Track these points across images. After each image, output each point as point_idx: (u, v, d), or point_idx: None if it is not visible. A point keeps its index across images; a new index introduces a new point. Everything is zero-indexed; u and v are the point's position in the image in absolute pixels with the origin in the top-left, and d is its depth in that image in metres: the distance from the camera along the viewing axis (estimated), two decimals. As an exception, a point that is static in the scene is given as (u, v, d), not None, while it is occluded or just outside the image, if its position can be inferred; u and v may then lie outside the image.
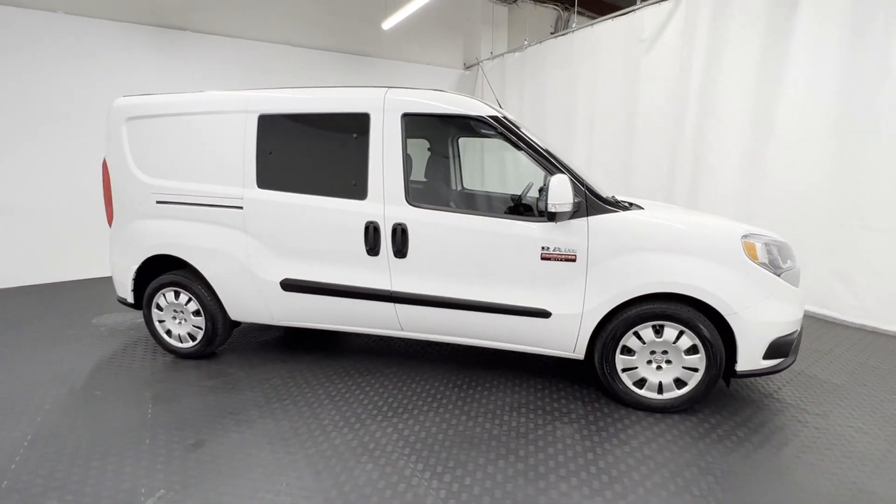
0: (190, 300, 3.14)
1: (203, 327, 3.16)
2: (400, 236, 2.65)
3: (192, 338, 3.23)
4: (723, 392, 2.76)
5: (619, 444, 2.26)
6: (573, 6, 9.07)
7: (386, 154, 2.66)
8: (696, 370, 2.44)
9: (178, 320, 3.23)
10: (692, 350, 2.43)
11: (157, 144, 3.06)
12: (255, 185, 2.87)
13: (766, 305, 2.34)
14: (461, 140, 4.00)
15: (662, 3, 5.01)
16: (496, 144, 2.73)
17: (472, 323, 2.69)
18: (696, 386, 2.45)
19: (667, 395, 2.51)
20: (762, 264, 2.36)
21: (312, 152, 2.82)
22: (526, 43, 6.92)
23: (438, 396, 2.74)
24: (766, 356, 2.39)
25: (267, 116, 2.85)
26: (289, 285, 2.90)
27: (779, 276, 2.39)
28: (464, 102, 2.62)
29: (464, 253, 2.60)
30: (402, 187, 2.65)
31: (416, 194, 2.79)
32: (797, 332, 2.47)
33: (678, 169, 5.03)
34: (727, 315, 2.33)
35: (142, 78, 5.55)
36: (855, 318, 3.91)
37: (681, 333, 2.42)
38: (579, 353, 2.61)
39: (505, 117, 2.59)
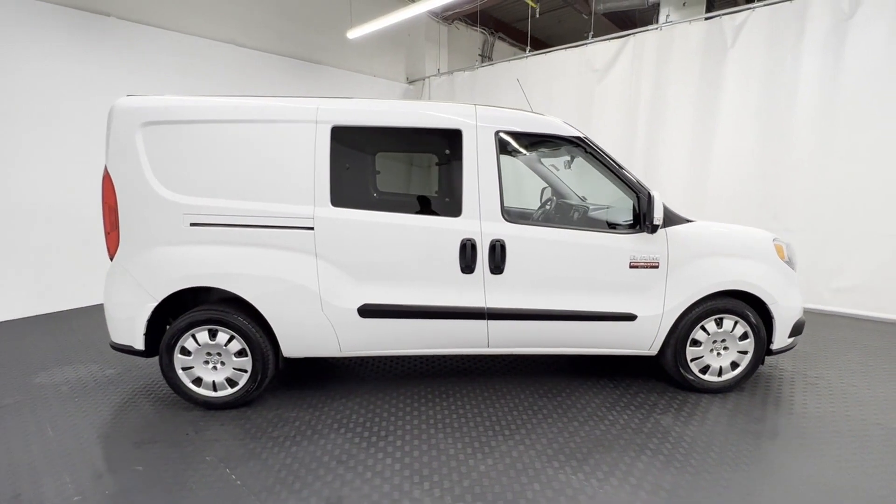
0: (231, 339, 2.67)
1: (249, 370, 2.71)
2: (499, 253, 2.65)
3: (232, 383, 2.73)
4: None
5: (715, 424, 2.60)
6: (496, 34, 9.84)
7: (481, 171, 2.65)
8: (746, 353, 2.94)
9: (213, 364, 2.71)
10: (743, 336, 2.91)
11: (189, 156, 2.56)
12: (329, 203, 2.59)
13: (791, 294, 2.93)
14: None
15: (611, 41, 5.78)
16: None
17: (562, 332, 2.81)
18: (747, 366, 2.94)
19: (725, 377, 2.96)
20: (787, 262, 2.96)
21: (396, 168, 2.66)
22: (480, 63, 7.27)
23: (536, 408, 2.79)
24: (790, 335, 2.99)
25: (342, 128, 2.61)
26: (369, 311, 2.67)
27: (794, 269, 3.02)
28: (551, 123, 2.76)
29: (559, 266, 2.72)
30: (498, 204, 2.67)
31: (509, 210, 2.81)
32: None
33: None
34: (770, 304, 2.86)
35: (52, 66, 4.45)
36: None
37: (735, 323, 2.89)
38: (654, 350, 2.92)
39: (587, 138, 2.80)
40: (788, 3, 4.57)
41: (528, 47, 6.78)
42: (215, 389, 2.73)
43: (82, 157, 4.72)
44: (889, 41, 4.07)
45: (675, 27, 5.28)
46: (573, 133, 2.76)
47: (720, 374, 2.95)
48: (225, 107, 2.56)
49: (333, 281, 2.63)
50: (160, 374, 3.22)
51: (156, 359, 3.36)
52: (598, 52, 5.90)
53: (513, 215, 2.71)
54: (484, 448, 2.37)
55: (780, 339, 2.95)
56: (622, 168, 2.78)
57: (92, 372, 3.30)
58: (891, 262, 4.25)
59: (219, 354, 2.70)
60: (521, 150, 3.08)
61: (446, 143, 2.65)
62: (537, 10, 7.48)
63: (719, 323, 2.88)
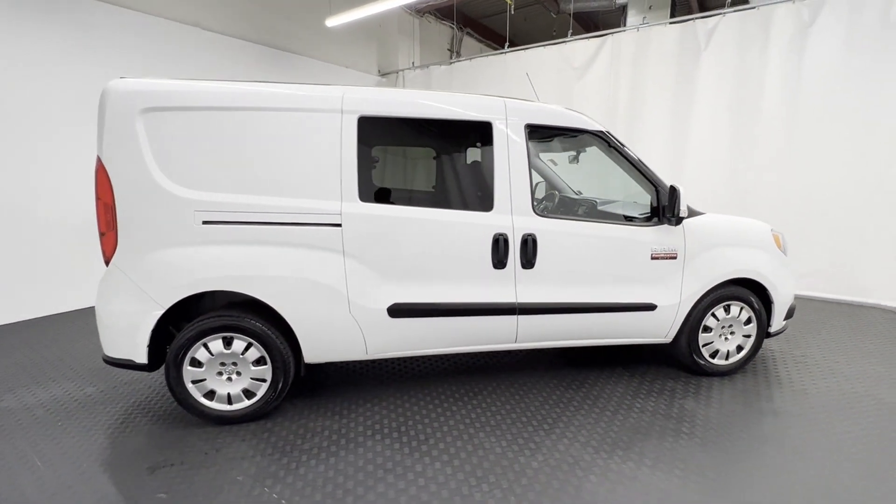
0: (249, 346, 2.46)
1: (268, 379, 2.51)
2: (531, 247, 2.63)
3: (249, 395, 2.52)
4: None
5: (733, 405, 2.75)
6: (464, 29, 9.82)
7: (512, 164, 2.62)
8: (749, 336, 3.13)
9: (227, 376, 2.48)
10: (747, 321, 3.10)
11: (200, 147, 2.31)
12: (357, 199, 2.45)
13: (787, 280, 3.15)
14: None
15: (590, 40, 5.94)
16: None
17: (587, 324, 2.85)
18: (751, 348, 3.14)
19: (731, 360, 3.13)
20: (783, 250, 3.18)
21: (425, 161, 2.56)
22: (453, 58, 7.21)
23: (566, 401, 2.81)
24: (785, 318, 3.22)
25: (369, 119, 2.46)
26: (398, 311, 2.56)
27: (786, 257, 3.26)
28: (578, 117, 2.77)
29: (587, 259, 2.75)
30: (528, 197, 2.64)
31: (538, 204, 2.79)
32: None
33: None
34: (771, 290, 3.06)
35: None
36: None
37: (741, 309, 3.07)
38: (669, 338, 3.03)
39: (610, 132, 2.84)
40: (755, 10, 4.91)
41: (507, 43, 6.81)
42: (230, 402, 2.51)
43: (41, 149, 4.16)
44: (844, 46, 4.48)
45: (652, 29, 5.51)
46: (597, 127, 2.79)
47: (727, 357, 3.13)
48: (242, 93, 2.34)
49: (361, 280, 2.49)
50: (154, 389, 2.93)
51: (150, 373, 3.07)
52: (578, 50, 6.04)
53: (542, 209, 2.69)
54: (529, 444, 2.35)
55: (777, 322, 3.16)
56: (642, 161, 2.85)
57: (68, 391, 2.92)
58: (848, 249, 4.70)
59: (234, 364, 2.48)
60: (546, 143, 3.07)
61: (477, 136, 2.59)
62: (512, 7, 7.51)
63: (727, 309, 3.04)
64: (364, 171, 2.46)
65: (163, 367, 2.49)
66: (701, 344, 3.05)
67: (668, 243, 2.85)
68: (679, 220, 2.75)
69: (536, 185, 3.87)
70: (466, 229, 2.57)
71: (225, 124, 2.32)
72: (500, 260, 2.61)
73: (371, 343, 2.60)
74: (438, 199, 2.56)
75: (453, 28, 9.62)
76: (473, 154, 2.58)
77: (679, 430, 2.49)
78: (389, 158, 2.51)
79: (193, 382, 2.45)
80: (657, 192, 2.83)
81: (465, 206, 2.57)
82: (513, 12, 7.55)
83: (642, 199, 2.96)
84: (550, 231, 2.67)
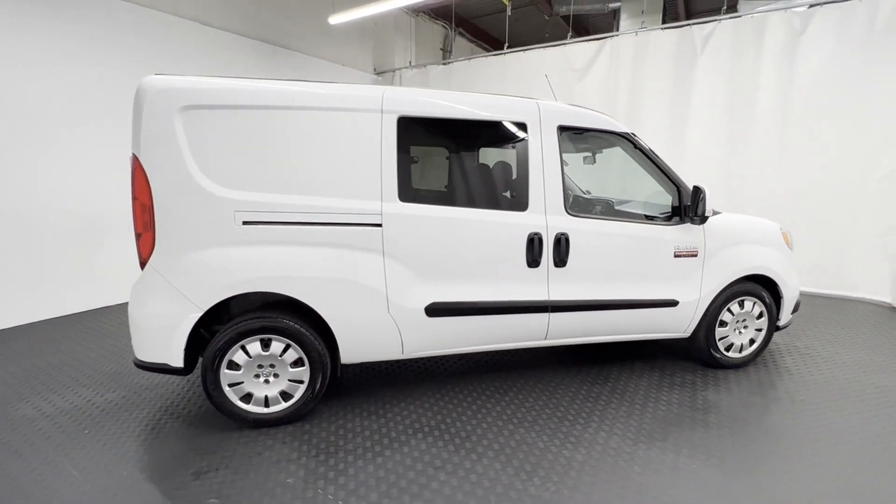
0: (287, 348, 2.43)
1: (306, 380, 2.49)
2: (564, 246, 2.69)
3: (286, 397, 2.50)
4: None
5: (751, 395, 2.88)
6: (456, 29, 9.86)
7: (546, 165, 2.67)
8: (760, 330, 3.28)
9: (265, 378, 2.45)
10: (759, 316, 3.25)
11: (241, 146, 2.27)
12: (397, 198, 2.45)
13: (794, 276, 3.32)
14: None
15: (590, 42, 6.07)
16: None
17: (613, 320, 2.93)
18: (762, 342, 3.29)
19: (744, 353, 3.28)
20: (790, 247, 3.35)
21: (462, 161, 2.58)
22: (447, 58, 7.23)
23: (595, 395, 2.88)
24: (792, 312, 3.39)
25: (408, 119, 2.47)
26: (436, 310, 2.58)
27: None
28: (606, 119, 2.85)
29: (615, 257, 2.83)
30: (561, 197, 2.70)
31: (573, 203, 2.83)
32: None
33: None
34: (781, 286, 3.22)
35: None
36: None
37: (754, 304, 3.21)
38: (688, 332, 3.15)
39: (635, 134, 2.93)
40: (750, 17, 5.12)
41: (507, 44, 6.88)
42: (267, 405, 2.48)
43: (38, 150, 3.98)
44: (833, 53, 4.73)
45: (650, 33, 5.67)
46: (624, 129, 2.87)
47: (741, 350, 3.27)
48: (282, 92, 2.31)
49: (400, 280, 2.50)
50: (178, 392, 2.87)
51: (174, 376, 3.01)
52: (577, 52, 6.16)
53: (573, 208, 2.76)
54: (570, 438, 2.41)
55: (785, 316, 3.33)
56: (664, 162, 2.95)
57: (87, 398, 2.82)
58: (836, 246, 4.96)
59: (272, 366, 2.45)
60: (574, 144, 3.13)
61: (512, 137, 2.63)
62: (509, 8, 7.59)
63: (741, 304, 3.18)
64: (403, 171, 2.47)
65: (193, 370, 2.44)
66: (717, 338, 3.18)
67: (690, 241, 2.96)
68: (704, 220, 2.86)
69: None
70: (502, 229, 2.61)
71: (265, 123, 2.29)
72: (534, 259, 2.66)
73: (408, 342, 2.61)
74: (475, 199, 2.59)
75: (446, 28, 9.64)
76: (508, 154, 2.63)
77: (707, 420, 2.59)
78: (426, 158, 2.53)
79: (230, 386, 2.41)
80: (679, 192, 2.93)
81: (501, 206, 2.61)
82: (509, 13, 7.61)
83: (660, 199, 3.06)
84: (581, 230, 2.74)
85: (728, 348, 3.24)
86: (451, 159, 2.59)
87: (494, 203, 2.61)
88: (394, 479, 2.09)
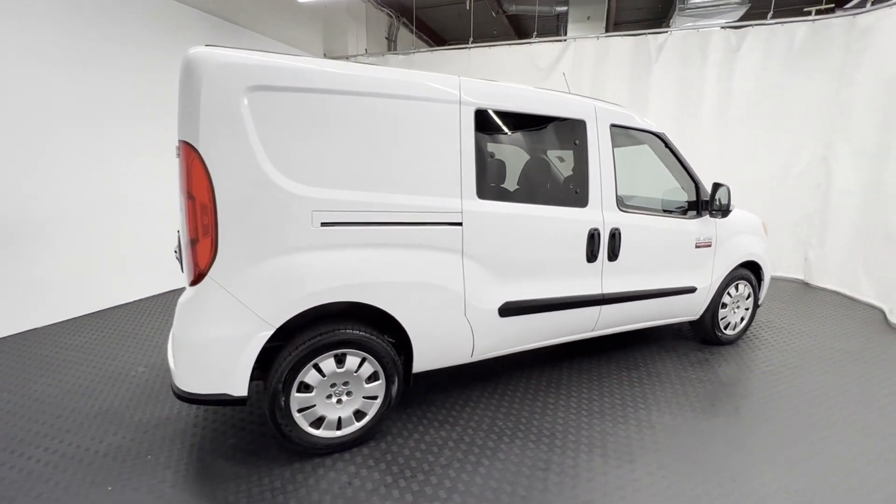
0: (363, 362, 2.20)
1: (380, 395, 2.28)
2: (617, 240, 2.80)
3: (359, 416, 2.26)
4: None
5: (755, 364, 3.28)
6: (400, 18, 9.60)
7: (602, 162, 2.73)
8: (748, 309, 3.74)
9: (336, 398, 2.19)
10: (748, 296, 3.71)
11: (314, 135, 1.98)
12: (475, 196, 2.33)
13: (769, 260, 3.85)
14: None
15: (554, 43, 6.32)
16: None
17: (648, 308, 3.13)
18: (749, 319, 3.76)
19: (737, 331, 3.72)
20: (766, 235, 3.86)
21: (533, 157, 2.53)
22: (391, 49, 7.01)
23: (636, 380, 3.04)
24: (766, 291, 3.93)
25: (483, 112, 2.35)
26: (508, 310, 2.52)
27: (765, 241, 3.96)
28: (644, 120, 3.00)
29: (655, 249, 3.01)
30: (614, 193, 2.79)
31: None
32: None
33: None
34: (764, 269, 3.70)
35: None
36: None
37: (746, 286, 3.65)
38: (698, 315, 3.48)
39: (665, 134, 3.13)
40: (696, 32, 5.75)
41: (471, 39, 6.86)
42: (339, 427, 2.21)
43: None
44: (763, 67, 5.51)
45: (611, 39, 6.08)
46: (657, 129, 3.06)
47: (735, 328, 3.70)
48: (360, 77, 2.05)
49: (478, 281, 2.39)
50: (192, 423, 2.44)
51: (190, 405, 2.57)
52: (542, 52, 6.37)
53: (624, 204, 2.87)
54: (643, 424, 2.53)
55: (763, 295, 3.84)
56: (687, 161, 3.21)
57: (83, 445, 2.26)
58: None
59: (345, 384, 2.19)
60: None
61: (574, 134, 2.65)
62: (469, 2, 7.57)
63: (736, 287, 3.60)
64: (481, 167, 2.35)
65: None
66: (720, 318, 3.56)
67: (707, 233, 3.26)
68: (727, 213, 3.17)
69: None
70: (570, 226, 2.62)
71: (340, 110, 2.02)
72: (592, 253, 2.73)
73: (479, 345, 2.52)
74: (545, 196, 2.57)
75: (391, 16, 9.33)
76: (573, 151, 2.64)
77: (735, 390, 2.90)
78: (501, 154, 2.44)
79: (300, 412, 2.11)
80: (697, 188, 3.21)
81: (567, 202, 2.62)
82: (468, 7, 7.59)
83: (675, 195, 3.31)
84: (630, 225, 2.86)
85: (726, 327, 3.65)
86: (523, 154, 2.53)
87: (562, 200, 2.62)
88: (510, 488, 2.01)
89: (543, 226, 2.54)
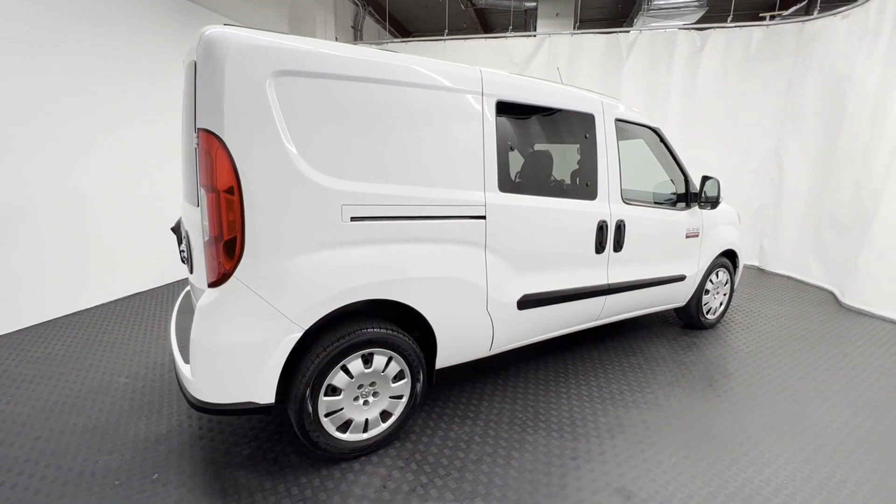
0: (390, 361, 2.13)
1: (406, 394, 2.22)
2: (623, 232, 2.88)
3: (385, 416, 2.19)
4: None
5: (739, 346, 3.51)
6: (366, 7, 9.35)
7: (609, 155, 2.80)
8: (727, 294, 4.00)
9: (363, 399, 2.11)
10: (726, 282, 3.96)
11: (343, 125, 1.87)
12: (497, 188, 2.31)
13: (742, 248, 4.13)
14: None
15: (529, 38, 6.40)
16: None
17: (644, 297, 3.26)
18: (726, 304, 4.02)
19: (717, 315, 3.96)
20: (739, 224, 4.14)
21: (545, 150, 2.54)
22: (357, 38, 6.83)
23: (636, 366, 3.17)
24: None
25: (504, 104, 2.33)
26: (525, 302, 2.53)
27: (736, 231, 4.24)
28: (642, 115, 3.10)
29: (652, 240, 3.14)
30: (618, 186, 2.87)
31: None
32: None
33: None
34: (739, 256, 3.97)
35: None
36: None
37: (724, 273, 3.89)
38: (685, 302, 3.67)
39: (660, 129, 3.25)
40: (664, 32, 6.02)
41: (446, 31, 6.79)
42: (366, 429, 2.13)
43: None
44: (724, 68, 5.87)
45: (584, 36, 6.23)
46: (654, 124, 3.17)
47: (715, 313, 3.94)
48: (388, 65, 1.96)
49: (499, 274, 2.38)
50: (196, 435, 2.27)
51: (207, 414, 2.40)
52: (518, 46, 6.43)
53: (626, 197, 2.96)
54: (653, 407, 2.63)
55: (737, 281, 4.12)
56: (678, 154, 3.36)
57: (69, 467, 2.03)
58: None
59: (371, 384, 2.12)
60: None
61: (585, 127, 2.69)
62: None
63: (717, 275, 3.83)
64: (503, 159, 2.33)
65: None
66: (703, 304, 3.78)
67: (695, 224, 3.44)
68: (716, 205, 3.35)
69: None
70: (583, 218, 2.67)
71: (368, 99, 1.92)
72: (601, 244, 2.79)
73: (497, 338, 2.51)
74: (558, 188, 2.59)
75: (357, 4, 9.05)
76: (581, 145, 2.68)
77: (727, 370, 3.10)
78: (520, 146, 2.42)
79: (328, 416, 2.01)
80: (686, 180, 3.37)
81: (578, 195, 2.66)
82: (441, -1, 7.50)
83: (667, 188, 3.46)
84: (632, 216, 2.96)
85: (708, 311, 3.88)
86: (540, 147, 2.54)
87: (575, 192, 2.65)
88: (545, 479, 2.03)
89: (559, 218, 2.57)
